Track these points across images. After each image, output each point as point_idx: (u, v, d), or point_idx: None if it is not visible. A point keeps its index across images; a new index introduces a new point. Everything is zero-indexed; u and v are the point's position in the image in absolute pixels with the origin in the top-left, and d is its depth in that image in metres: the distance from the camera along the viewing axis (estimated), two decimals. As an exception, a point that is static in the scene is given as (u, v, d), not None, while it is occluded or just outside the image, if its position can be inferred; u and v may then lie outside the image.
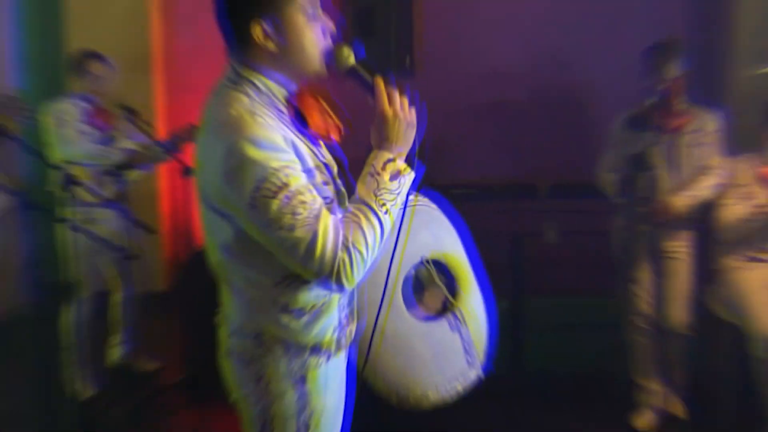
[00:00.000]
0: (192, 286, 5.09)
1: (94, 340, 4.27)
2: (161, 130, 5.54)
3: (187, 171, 4.25)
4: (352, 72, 1.68)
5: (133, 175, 4.20)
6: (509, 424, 3.84)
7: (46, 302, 3.86)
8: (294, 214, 1.53)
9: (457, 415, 3.74)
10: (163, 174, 5.66)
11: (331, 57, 1.69)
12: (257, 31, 1.63)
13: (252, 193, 1.52)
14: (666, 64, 3.58)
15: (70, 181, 3.37)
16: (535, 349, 4.30)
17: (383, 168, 1.62)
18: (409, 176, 1.66)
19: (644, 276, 3.74)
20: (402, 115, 1.64)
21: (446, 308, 2.14)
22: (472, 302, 2.16)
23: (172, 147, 4.25)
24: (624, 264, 3.72)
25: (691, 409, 3.84)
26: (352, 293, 1.84)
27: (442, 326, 2.13)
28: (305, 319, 1.72)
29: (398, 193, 1.64)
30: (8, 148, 3.17)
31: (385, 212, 1.62)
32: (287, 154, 1.57)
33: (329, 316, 1.76)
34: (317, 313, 1.74)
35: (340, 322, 1.80)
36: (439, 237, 2.13)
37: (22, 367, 2.95)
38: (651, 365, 3.78)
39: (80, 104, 4.15)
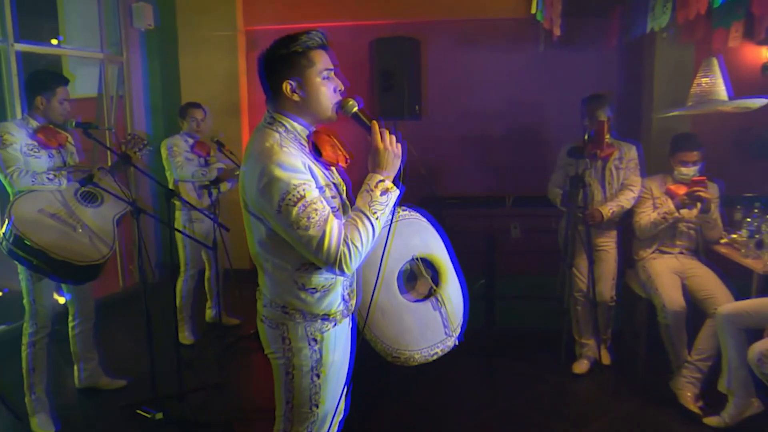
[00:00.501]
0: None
1: (195, 304, 4.37)
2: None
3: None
4: (355, 117, 1.73)
5: (223, 188, 4.29)
6: (485, 368, 3.85)
7: (163, 277, 3.96)
8: (309, 218, 1.57)
9: (448, 362, 3.81)
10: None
11: (340, 106, 1.73)
12: (286, 88, 1.69)
13: (279, 203, 1.58)
14: (597, 110, 3.54)
15: (172, 195, 3.47)
16: (503, 313, 4.27)
17: (375, 186, 1.65)
18: (394, 193, 1.68)
19: (581, 263, 3.68)
20: (390, 148, 1.67)
21: (430, 293, 2.11)
22: (450, 290, 2.15)
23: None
24: (567, 254, 3.69)
25: (615, 359, 3.79)
26: (352, 277, 1.84)
27: (426, 306, 2.11)
28: (318, 295, 1.75)
29: (386, 205, 1.66)
30: (130, 171, 3.25)
31: (376, 218, 1.64)
32: (305, 175, 1.61)
33: (335, 293, 1.78)
34: (326, 291, 1.76)
35: (343, 298, 1.81)
36: (426, 241, 2.13)
37: (145, 324, 3.02)
38: (586, 327, 3.73)
39: (187, 139, 4.25)
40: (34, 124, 3.04)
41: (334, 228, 1.59)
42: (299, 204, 1.57)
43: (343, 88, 1.74)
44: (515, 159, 5.09)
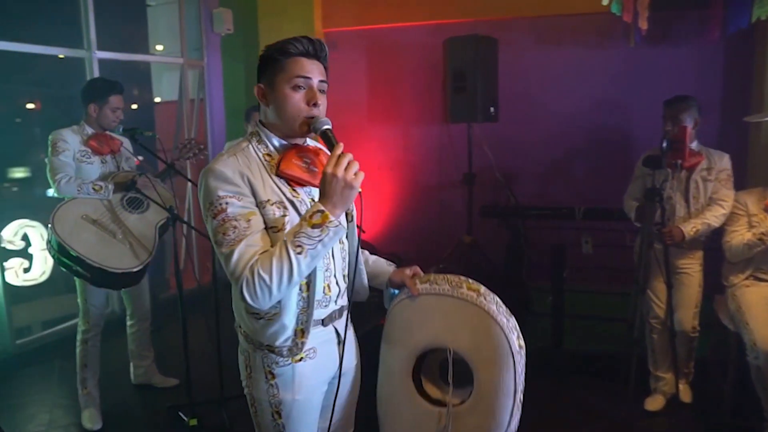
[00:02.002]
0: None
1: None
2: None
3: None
4: (323, 135, 1.49)
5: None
6: (547, 394, 3.50)
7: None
8: (224, 234, 1.44)
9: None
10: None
11: (312, 122, 1.52)
12: (258, 91, 1.57)
13: (205, 212, 1.49)
14: (680, 113, 3.07)
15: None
16: (571, 333, 3.87)
17: (310, 217, 1.41)
18: (333, 229, 1.41)
19: (658, 286, 3.21)
20: (341, 176, 1.39)
21: (444, 404, 1.78)
22: (473, 414, 1.72)
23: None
24: (643, 275, 3.24)
25: (697, 397, 3.29)
26: (306, 313, 1.58)
27: (431, 416, 1.78)
28: (261, 322, 1.57)
29: (318, 240, 1.40)
30: (173, 178, 3.24)
31: (297, 253, 1.40)
32: (235, 188, 1.47)
33: (278, 324, 1.55)
34: (269, 320, 1.56)
35: (294, 333, 1.58)
36: (474, 338, 1.69)
37: (181, 330, 3.01)
38: (663, 358, 3.27)
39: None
40: (89, 131, 3.12)
41: (243, 250, 1.43)
42: (218, 217, 1.46)
43: (319, 103, 1.53)
44: (591, 167, 4.62)
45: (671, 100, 3.13)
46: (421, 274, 1.76)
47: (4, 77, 4.72)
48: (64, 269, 2.84)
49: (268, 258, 1.41)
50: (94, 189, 2.95)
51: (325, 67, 1.60)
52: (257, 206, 1.49)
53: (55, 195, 2.96)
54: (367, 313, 2.11)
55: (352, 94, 5.59)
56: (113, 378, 3.61)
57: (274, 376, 1.60)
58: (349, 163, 1.41)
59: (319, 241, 1.41)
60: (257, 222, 1.48)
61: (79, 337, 3.18)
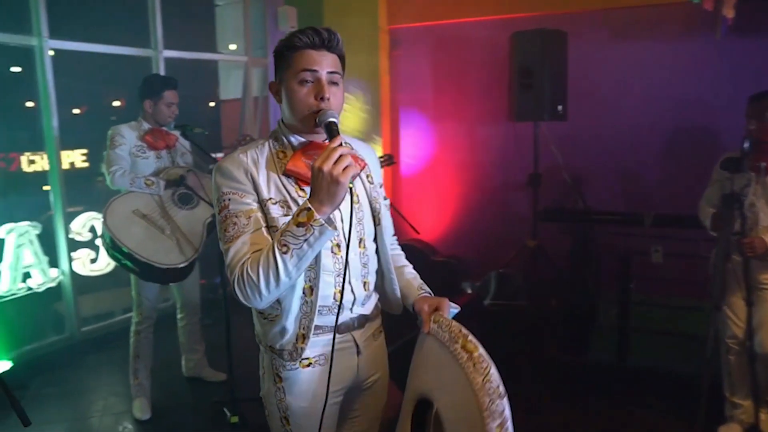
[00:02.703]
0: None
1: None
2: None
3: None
4: (326, 128, 1.40)
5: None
6: (610, 414, 3.26)
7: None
8: (225, 230, 1.44)
9: (570, 400, 3.29)
10: (387, 190, 5.67)
11: (318, 116, 1.44)
12: (271, 87, 1.56)
13: (215, 205, 1.50)
14: (766, 111, 2.77)
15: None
16: (637, 348, 3.59)
17: (297, 215, 1.33)
18: (319, 228, 1.32)
19: (737, 302, 2.90)
20: (328, 171, 1.29)
21: None
22: None
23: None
24: (719, 290, 2.94)
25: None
26: (308, 318, 1.50)
27: None
28: (264, 323, 1.55)
29: (303, 240, 1.32)
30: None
31: (284, 252, 1.33)
32: (238, 184, 1.45)
33: (279, 326, 1.51)
34: (271, 321, 1.52)
35: (296, 337, 1.51)
36: (456, 408, 1.39)
37: (225, 328, 3.03)
38: (741, 383, 2.95)
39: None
40: (145, 126, 3.19)
41: (239, 247, 1.41)
42: (222, 213, 1.46)
43: (328, 96, 1.44)
44: (666, 170, 4.26)
45: (757, 96, 2.82)
46: (444, 310, 1.54)
47: (92, 76, 4.96)
48: (115, 262, 2.91)
49: (256, 257, 1.37)
50: (146, 184, 3.00)
51: (340, 56, 1.51)
52: (259, 204, 1.46)
53: (111, 188, 3.04)
54: (400, 325, 1.98)
55: (416, 92, 5.49)
56: (166, 369, 3.69)
57: (281, 380, 1.55)
58: (339, 158, 1.31)
59: (305, 240, 1.33)
60: (257, 220, 1.44)
61: (132, 328, 3.26)
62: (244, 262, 1.37)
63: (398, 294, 1.68)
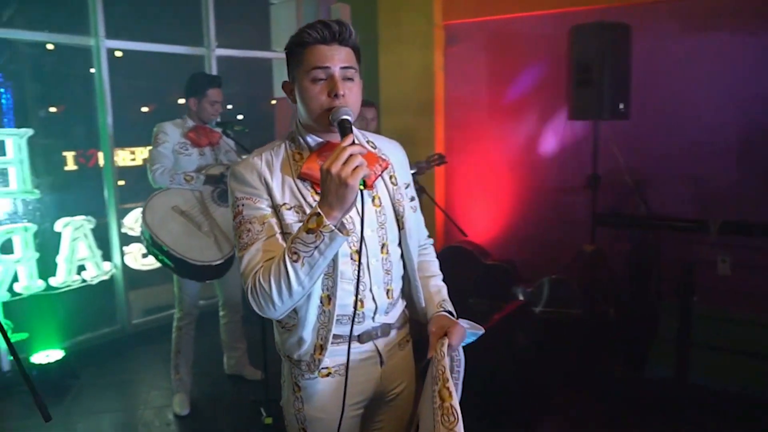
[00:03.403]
0: (443, 270, 4.93)
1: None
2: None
3: (420, 190, 4.07)
4: (339, 126, 1.33)
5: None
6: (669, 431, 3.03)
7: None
8: (239, 237, 1.39)
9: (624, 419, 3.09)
10: (439, 191, 5.55)
11: (332, 113, 1.36)
12: (285, 87, 1.49)
13: (230, 211, 1.46)
14: None
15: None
16: (699, 366, 3.31)
17: (307, 221, 1.25)
18: (329, 235, 1.24)
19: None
20: (335, 172, 1.21)
21: None
22: None
23: (416, 171, 4.09)
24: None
25: None
26: (326, 329, 1.43)
27: None
28: (282, 331, 1.49)
29: (314, 247, 1.24)
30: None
31: (295, 260, 1.25)
32: (251, 189, 1.40)
33: (296, 336, 1.44)
34: (288, 330, 1.46)
35: (309, 348, 1.45)
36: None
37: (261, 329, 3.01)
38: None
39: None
40: (190, 124, 3.21)
41: (252, 255, 1.35)
42: (236, 218, 1.41)
43: (342, 93, 1.36)
44: (736, 174, 3.92)
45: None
46: (454, 336, 1.44)
47: (154, 75, 5.11)
48: (153, 257, 2.94)
49: (268, 266, 1.31)
50: (185, 180, 3.03)
51: (354, 49, 1.43)
52: (274, 209, 1.39)
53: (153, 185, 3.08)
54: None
55: (471, 90, 5.33)
56: (209, 366, 3.73)
57: (299, 389, 1.49)
58: (348, 158, 1.23)
59: (315, 248, 1.25)
60: (272, 226, 1.38)
61: (174, 324, 3.30)
62: (256, 271, 1.32)
63: (423, 302, 1.60)
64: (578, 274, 4.29)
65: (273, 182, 1.40)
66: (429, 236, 1.78)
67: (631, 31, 4.08)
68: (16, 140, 3.61)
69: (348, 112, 1.35)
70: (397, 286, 1.55)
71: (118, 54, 4.50)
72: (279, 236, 1.37)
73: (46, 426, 3.21)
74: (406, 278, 1.60)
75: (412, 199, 1.64)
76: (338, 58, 1.38)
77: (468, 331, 1.48)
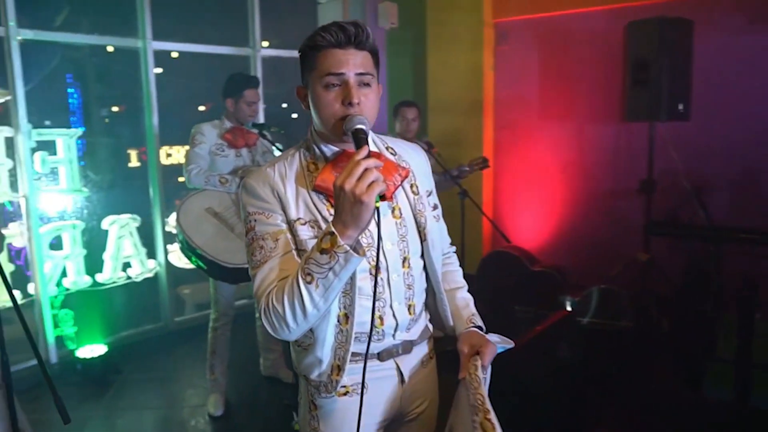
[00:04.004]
0: (487, 275, 4.78)
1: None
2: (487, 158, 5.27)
3: (463, 194, 3.93)
4: (353, 135, 1.24)
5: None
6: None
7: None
8: (252, 254, 1.31)
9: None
10: (487, 193, 5.39)
11: (345, 122, 1.27)
12: (298, 92, 1.40)
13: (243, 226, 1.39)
14: None
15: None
16: (762, 388, 3.06)
17: (321, 240, 1.17)
18: (344, 255, 1.16)
19: None
20: (349, 189, 1.13)
21: None
22: None
23: (458, 175, 3.97)
24: None
25: None
26: (345, 353, 1.35)
27: None
28: (299, 350, 1.40)
29: (328, 269, 1.17)
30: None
31: (309, 282, 1.18)
32: (264, 203, 1.32)
33: (313, 357, 1.36)
34: (304, 349, 1.38)
35: (326, 369, 1.37)
36: None
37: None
38: None
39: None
40: (227, 125, 3.20)
41: (265, 274, 1.28)
42: (248, 235, 1.33)
43: (357, 101, 1.27)
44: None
45: None
46: (486, 355, 1.36)
47: (207, 75, 5.18)
48: (188, 259, 2.93)
49: (282, 286, 1.24)
50: (220, 182, 3.01)
51: (372, 52, 1.33)
52: (288, 224, 1.31)
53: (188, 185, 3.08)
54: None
55: (522, 89, 5.15)
56: (246, 367, 3.72)
57: (315, 407, 1.42)
58: (363, 173, 1.13)
59: (330, 269, 1.17)
60: (285, 242, 1.30)
61: (210, 324, 3.30)
62: (269, 292, 1.25)
63: (450, 317, 1.51)
64: (630, 283, 4.06)
65: (286, 195, 1.32)
66: (452, 243, 1.67)
67: (694, 26, 3.82)
68: (66, 140, 3.71)
69: (363, 121, 1.26)
70: (419, 300, 1.46)
71: (174, 55, 4.58)
72: (295, 253, 1.30)
73: (93, 419, 3.31)
74: (430, 291, 1.51)
75: (435, 207, 1.53)
76: (353, 63, 1.28)
77: (498, 345, 1.41)
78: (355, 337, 1.34)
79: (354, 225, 1.15)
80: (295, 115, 6.13)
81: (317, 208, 1.32)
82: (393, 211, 1.41)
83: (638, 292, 3.98)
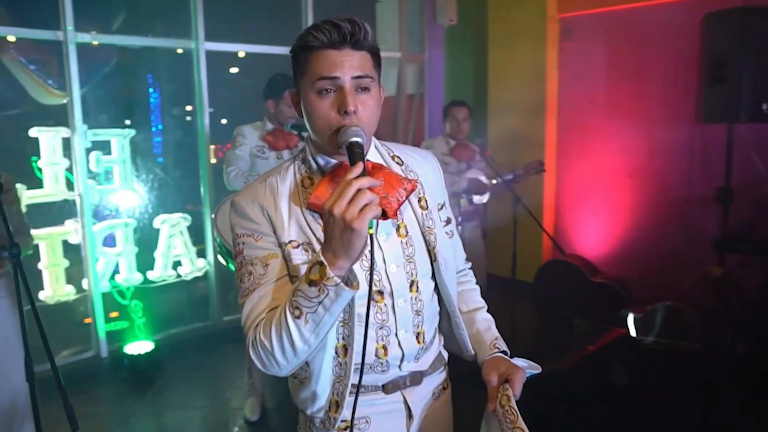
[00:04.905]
0: (544, 284, 4.51)
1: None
2: (549, 161, 4.99)
3: (516, 200, 3.70)
4: (347, 149, 1.09)
5: (475, 200, 3.80)
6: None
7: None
8: (241, 279, 1.19)
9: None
10: (548, 198, 5.12)
11: (339, 134, 1.12)
12: (290, 98, 1.27)
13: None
14: None
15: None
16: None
17: (309, 270, 1.04)
18: (334, 289, 1.02)
19: None
20: (338, 214, 0.99)
21: None
22: None
23: (513, 179, 3.75)
24: None
25: None
26: (344, 388, 1.21)
27: None
28: (295, 383, 1.28)
29: (318, 303, 1.03)
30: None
31: (297, 316, 1.05)
32: (253, 224, 1.19)
33: (309, 391, 1.23)
34: (300, 382, 1.25)
35: (324, 404, 1.24)
36: None
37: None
38: None
39: (448, 141, 3.88)
40: (269, 126, 3.14)
41: (254, 303, 1.15)
42: (237, 258, 1.20)
43: (353, 109, 1.12)
44: None
45: None
46: (516, 383, 1.22)
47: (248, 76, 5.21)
48: (225, 263, 2.89)
49: (269, 319, 1.12)
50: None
51: (372, 52, 1.17)
52: (280, 247, 1.18)
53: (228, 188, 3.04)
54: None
55: (588, 88, 4.82)
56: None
57: None
58: (355, 195, 0.99)
59: (319, 303, 1.04)
60: (277, 268, 1.18)
61: (248, 327, 3.25)
62: (257, 324, 1.13)
63: (468, 342, 1.36)
64: (700, 301, 3.70)
65: (277, 215, 1.19)
66: (467, 260, 1.50)
67: (780, 18, 3.42)
68: (120, 140, 3.78)
69: (358, 132, 1.10)
70: (430, 327, 1.31)
71: (241, 55, 4.61)
72: (287, 278, 1.17)
73: (136, 414, 3.36)
74: (444, 314, 1.35)
75: (448, 221, 1.37)
76: (350, 66, 1.13)
77: (527, 370, 1.26)
78: (355, 370, 1.20)
79: (345, 254, 1.02)
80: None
81: (311, 229, 1.18)
82: (398, 230, 1.25)
83: (709, 311, 3.62)
